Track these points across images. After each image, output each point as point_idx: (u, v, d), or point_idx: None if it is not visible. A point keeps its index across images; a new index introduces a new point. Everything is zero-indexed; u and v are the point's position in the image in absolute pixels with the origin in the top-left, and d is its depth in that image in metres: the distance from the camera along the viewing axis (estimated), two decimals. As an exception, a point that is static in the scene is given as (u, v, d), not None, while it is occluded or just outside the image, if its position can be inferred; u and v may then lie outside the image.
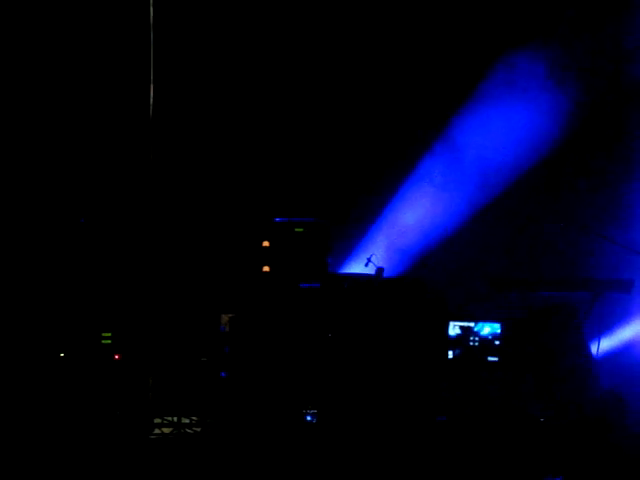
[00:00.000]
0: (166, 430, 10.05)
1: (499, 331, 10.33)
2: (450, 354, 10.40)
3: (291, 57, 11.51)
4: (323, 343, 10.29)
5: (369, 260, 11.06)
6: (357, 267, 11.29)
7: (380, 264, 11.02)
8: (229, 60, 11.39)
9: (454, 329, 10.42)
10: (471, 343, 10.38)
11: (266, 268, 10.64)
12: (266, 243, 10.67)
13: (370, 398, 10.03)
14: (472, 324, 10.40)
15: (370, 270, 11.01)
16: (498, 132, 11.64)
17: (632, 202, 11.59)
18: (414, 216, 11.82)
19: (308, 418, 9.95)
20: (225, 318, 10.34)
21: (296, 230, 10.73)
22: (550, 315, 10.43)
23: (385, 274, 10.99)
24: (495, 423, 9.86)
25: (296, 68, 11.54)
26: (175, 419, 10.12)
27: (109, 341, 10.17)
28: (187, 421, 10.15)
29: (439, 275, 11.39)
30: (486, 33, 11.57)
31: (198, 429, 10.08)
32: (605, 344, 10.81)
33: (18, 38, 10.82)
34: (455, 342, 10.39)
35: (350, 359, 10.20)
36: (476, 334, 10.36)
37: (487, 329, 10.36)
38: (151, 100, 10.09)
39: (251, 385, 10.06)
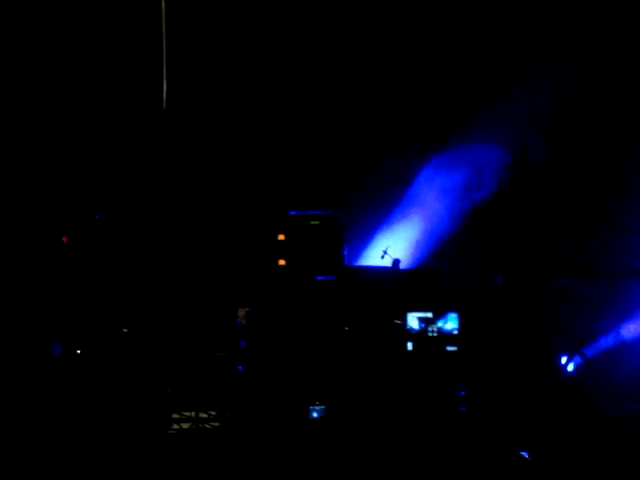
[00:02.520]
0: (185, 425, 10.06)
1: (457, 321, 10.30)
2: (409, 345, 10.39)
3: (309, 53, 11.47)
4: (339, 336, 10.29)
5: (385, 252, 11.01)
6: (373, 259, 11.24)
7: (396, 256, 10.99)
8: (243, 56, 11.36)
9: (412, 321, 10.41)
10: (430, 334, 10.37)
11: (282, 262, 10.63)
12: (282, 237, 10.65)
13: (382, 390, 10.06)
14: (430, 315, 10.38)
15: (386, 262, 10.98)
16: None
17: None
18: (429, 207, 11.76)
19: (314, 415, 9.93)
20: (242, 312, 10.34)
21: (311, 223, 10.71)
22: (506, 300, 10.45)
23: (401, 266, 10.98)
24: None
25: (312, 62, 11.49)
26: (193, 414, 10.12)
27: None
28: (205, 416, 10.14)
29: (456, 266, 11.33)
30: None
31: (216, 424, 10.08)
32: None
33: (30, 33, 10.82)
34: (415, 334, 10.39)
35: (366, 352, 10.20)
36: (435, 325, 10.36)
37: (449, 324, 10.35)
38: (164, 96, 10.07)
39: (268, 379, 10.06)
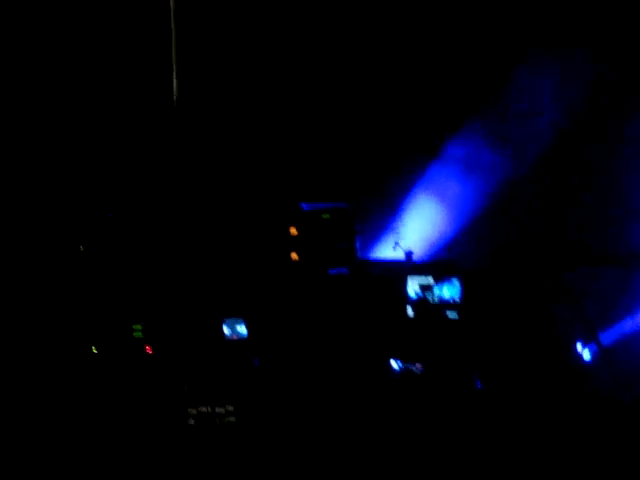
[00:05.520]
0: (201, 420, 10.07)
1: (458, 288, 10.25)
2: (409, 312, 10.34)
3: (319, 49, 11.47)
4: (352, 329, 10.29)
5: (397, 244, 10.99)
6: (386, 251, 11.22)
7: (408, 248, 10.97)
8: (253, 49, 11.37)
9: (413, 286, 10.35)
10: (430, 300, 10.31)
11: (294, 255, 10.64)
12: (293, 230, 10.67)
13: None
14: (431, 280, 10.32)
15: (399, 254, 10.96)
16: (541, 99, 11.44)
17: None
18: (442, 198, 11.72)
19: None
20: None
21: (323, 216, 10.73)
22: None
23: (414, 258, 10.97)
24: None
25: (321, 57, 11.49)
26: (209, 409, 10.12)
27: (140, 334, 10.21)
28: (222, 411, 10.15)
29: (469, 257, 11.28)
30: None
31: (233, 419, 10.08)
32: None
33: (38, 32, 10.90)
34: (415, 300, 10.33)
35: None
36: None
37: (446, 290, 10.29)
38: (175, 91, 10.11)
39: (282, 372, 10.07)
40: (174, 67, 10.15)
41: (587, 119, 11.13)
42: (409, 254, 10.94)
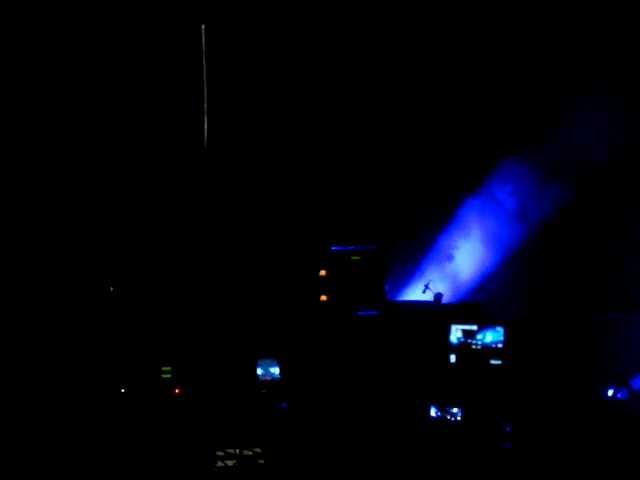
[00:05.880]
0: (229, 462, 9.98)
1: (502, 335, 10.19)
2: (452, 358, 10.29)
3: (347, 92, 11.48)
4: (381, 370, 10.24)
5: (427, 287, 10.95)
6: (415, 294, 11.19)
7: (437, 290, 10.94)
8: (281, 91, 11.39)
9: (456, 333, 10.30)
10: (474, 347, 10.26)
11: (324, 297, 10.61)
12: (323, 272, 10.65)
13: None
14: (475, 327, 10.29)
15: (428, 296, 10.93)
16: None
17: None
18: (468, 242, 11.70)
19: None
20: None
21: (352, 258, 10.71)
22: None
23: (443, 300, 10.93)
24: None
25: (350, 99, 11.50)
26: (237, 451, 10.04)
27: (169, 375, 10.16)
28: (250, 453, 10.06)
29: (495, 299, 11.24)
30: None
31: (261, 461, 9.99)
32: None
33: (75, 69, 10.96)
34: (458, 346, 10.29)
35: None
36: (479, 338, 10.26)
37: (490, 335, 10.25)
38: (205, 129, 10.10)
39: (311, 415, 10.00)
40: (205, 107, 10.13)
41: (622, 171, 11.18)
42: (438, 296, 10.90)
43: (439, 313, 10.64)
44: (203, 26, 9.90)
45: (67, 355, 10.09)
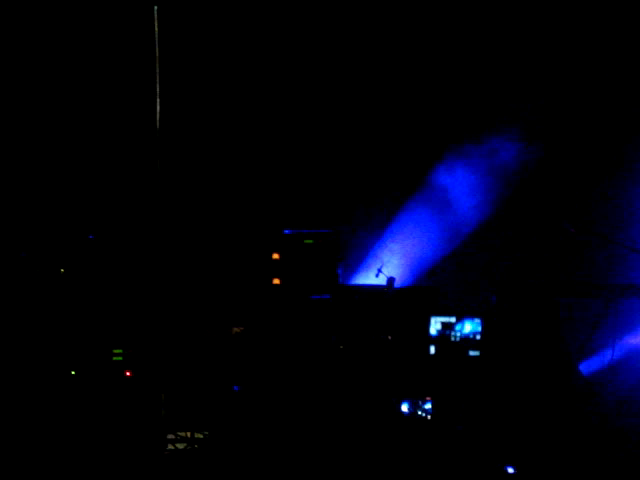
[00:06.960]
0: (179, 446, 9.98)
1: (480, 327, 10.26)
2: (432, 350, 10.33)
3: (305, 67, 11.44)
4: (333, 354, 10.25)
5: (379, 270, 10.97)
6: (368, 278, 11.22)
7: (390, 274, 10.96)
8: (236, 70, 11.34)
9: (435, 325, 10.35)
10: (452, 339, 10.32)
11: (276, 280, 10.60)
12: (276, 255, 10.63)
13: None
14: (453, 320, 10.34)
15: (381, 280, 10.94)
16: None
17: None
18: (423, 225, 11.74)
19: None
20: (236, 330, 10.29)
21: (305, 242, 10.70)
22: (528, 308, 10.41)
23: (396, 284, 10.94)
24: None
25: (307, 78, 11.47)
26: (188, 434, 10.04)
27: (120, 357, 10.11)
28: (200, 436, 10.06)
29: (449, 283, 11.30)
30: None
31: (211, 444, 10.00)
32: (619, 351, 10.74)
33: (28, 49, 10.85)
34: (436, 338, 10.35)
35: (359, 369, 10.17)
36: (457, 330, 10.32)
37: (468, 326, 10.30)
38: (157, 111, 10.05)
39: (262, 398, 10.00)
40: (157, 87, 10.08)
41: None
42: (391, 280, 10.92)
43: (390, 297, 10.64)
44: (156, 7, 9.90)
45: (16, 336, 10.02)
